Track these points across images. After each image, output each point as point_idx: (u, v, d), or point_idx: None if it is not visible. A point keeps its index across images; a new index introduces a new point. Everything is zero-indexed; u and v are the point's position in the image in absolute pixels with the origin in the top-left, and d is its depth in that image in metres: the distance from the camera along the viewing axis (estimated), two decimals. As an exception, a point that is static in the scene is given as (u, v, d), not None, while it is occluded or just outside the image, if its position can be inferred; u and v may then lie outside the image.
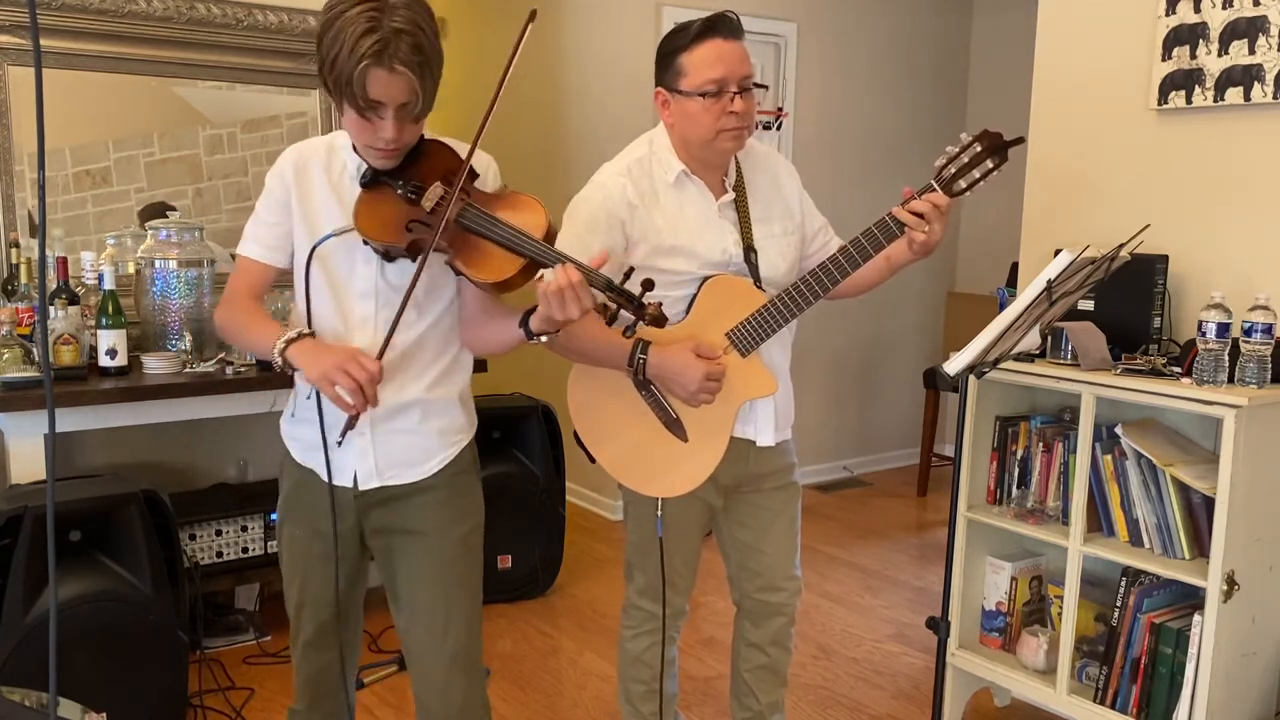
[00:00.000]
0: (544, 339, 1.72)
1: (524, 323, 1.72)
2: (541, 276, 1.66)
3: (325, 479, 1.83)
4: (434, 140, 1.76)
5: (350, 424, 1.67)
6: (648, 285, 1.67)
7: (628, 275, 1.66)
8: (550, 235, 1.67)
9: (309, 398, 1.80)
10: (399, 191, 1.70)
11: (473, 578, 1.91)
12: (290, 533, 1.92)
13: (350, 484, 1.84)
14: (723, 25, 1.99)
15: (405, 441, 1.83)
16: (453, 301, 1.84)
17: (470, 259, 1.68)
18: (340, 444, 1.73)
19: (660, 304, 1.67)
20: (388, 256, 1.73)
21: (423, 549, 1.86)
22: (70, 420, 2.75)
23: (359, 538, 1.90)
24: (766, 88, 3.93)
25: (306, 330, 1.71)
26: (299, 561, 1.91)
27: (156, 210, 3.31)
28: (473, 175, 1.73)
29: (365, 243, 1.72)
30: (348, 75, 1.57)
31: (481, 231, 1.67)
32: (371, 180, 1.72)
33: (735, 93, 1.98)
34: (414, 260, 1.69)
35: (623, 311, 1.66)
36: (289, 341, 1.68)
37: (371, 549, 1.92)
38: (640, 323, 1.67)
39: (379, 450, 1.82)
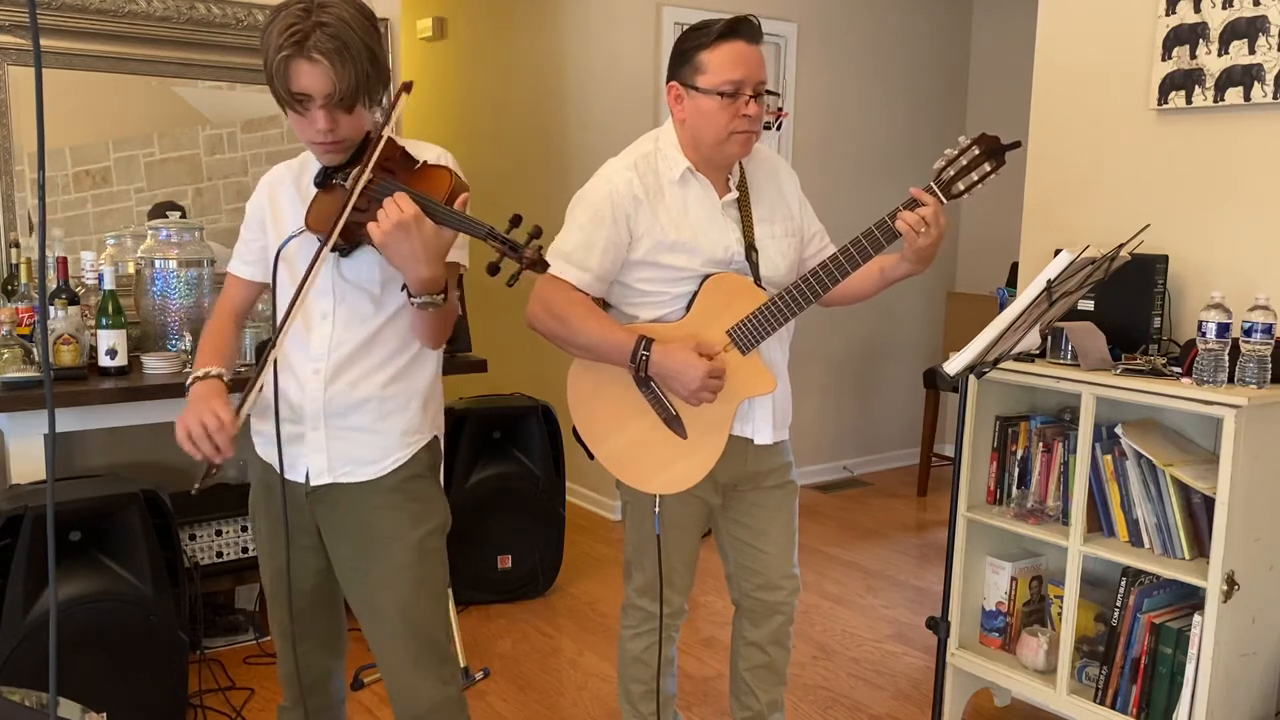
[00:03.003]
0: (422, 300, 1.67)
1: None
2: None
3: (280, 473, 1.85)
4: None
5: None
6: (535, 233, 1.61)
7: (514, 222, 1.62)
8: (453, 197, 1.66)
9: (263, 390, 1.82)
10: (338, 182, 1.72)
11: (433, 579, 1.90)
12: (258, 527, 1.95)
13: (303, 480, 1.84)
14: (745, 29, 2.00)
15: (359, 439, 1.83)
16: None
17: None
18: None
19: (541, 248, 1.62)
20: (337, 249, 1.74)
21: (376, 555, 1.85)
22: (70, 420, 2.75)
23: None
24: (779, 95, 3.94)
25: (214, 372, 1.76)
26: (267, 556, 1.93)
27: (165, 210, 3.31)
28: (412, 163, 1.73)
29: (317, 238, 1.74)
30: (273, 70, 1.63)
31: None
32: (324, 180, 1.75)
33: (750, 96, 2.00)
34: (356, 248, 1.72)
35: (506, 259, 1.62)
36: (194, 379, 1.75)
37: (330, 556, 1.92)
38: (523, 269, 1.62)
39: (331, 446, 1.83)
